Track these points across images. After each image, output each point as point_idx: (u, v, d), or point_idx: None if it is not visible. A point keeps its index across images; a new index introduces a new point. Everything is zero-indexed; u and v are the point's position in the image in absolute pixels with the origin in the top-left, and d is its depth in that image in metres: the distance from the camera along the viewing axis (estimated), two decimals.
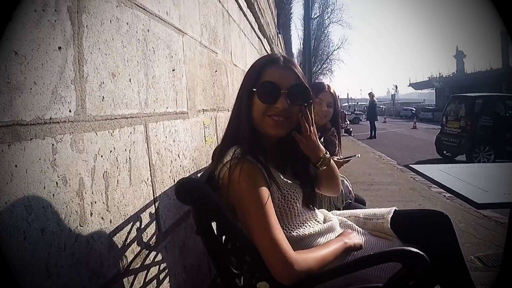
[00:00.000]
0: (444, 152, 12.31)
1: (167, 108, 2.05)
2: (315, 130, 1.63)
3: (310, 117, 1.59)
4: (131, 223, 1.59)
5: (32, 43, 1.06)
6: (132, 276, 1.57)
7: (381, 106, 52.47)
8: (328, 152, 1.72)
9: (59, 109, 1.16)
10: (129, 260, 1.55)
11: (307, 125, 1.58)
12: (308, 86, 1.59)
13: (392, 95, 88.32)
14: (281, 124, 1.53)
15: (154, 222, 1.82)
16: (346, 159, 2.94)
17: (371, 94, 21.87)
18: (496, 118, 11.05)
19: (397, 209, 1.87)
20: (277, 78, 1.52)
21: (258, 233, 1.35)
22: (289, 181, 1.58)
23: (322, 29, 51.97)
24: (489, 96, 12.61)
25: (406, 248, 1.31)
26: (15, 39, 0.99)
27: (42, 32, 1.10)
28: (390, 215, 1.80)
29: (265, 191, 1.40)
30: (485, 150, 10.87)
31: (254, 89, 1.52)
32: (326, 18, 51.68)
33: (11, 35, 0.98)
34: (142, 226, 1.69)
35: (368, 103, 23.26)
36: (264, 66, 1.57)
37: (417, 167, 2.57)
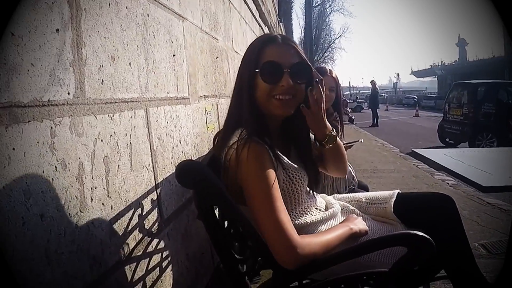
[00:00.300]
0: (447, 139, 12.28)
1: (168, 93, 2.03)
2: (324, 106, 1.60)
3: (321, 93, 1.55)
4: (133, 209, 1.57)
5: (29, 25, 1.03)
6: (134, 264, 1.56)
7: (383, 95, 52.31)
8: (334, 130, 1.68)
9: (58, 91, 1.14)
10: (131, 248, 1.53)
11: (316, 99, 1.54)
12: (310, 65, 1.56)
13: (394, 83, 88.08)
14: (287, 103, 1.50)
15: (156, 208, 1.80)
16: (349, 144, 2.92)
17: (373, 82, 21.82)
18: (498, 105, 11.00)
19: (400, 192, 1.83)
20: (278, 57, 1.49)
21: (263, 215, 1.32)
22: (294, 164, 1.55)
23: (324, 18, 51.64)
24: (492, 83, 12.54)
25: (412, 231, 1.29)
26: (11, 21, 0.96)
27: (39, 14, 1.07)
28: (393, 199, 1.77)
29: (272, 174, 1.37)
30: (487, 137, 10.84)
31: (257, 70, 1.48)
32: (327, 6, 51.33)
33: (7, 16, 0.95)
34: (144, 212, 1.67)
35: (370, 91, 23.14)
36: (263, 46, 1.53)
37: (421, 151, 2.54)
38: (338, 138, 1.70)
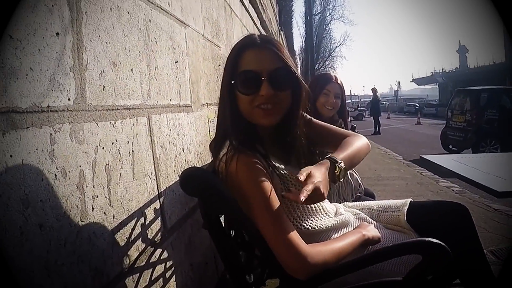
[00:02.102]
0: (450, 146, 12.22)
1: (170, 100, 1.99)
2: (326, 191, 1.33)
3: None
4: (135, 218, 1.53)
5: (28, 28, 1.00)
6: (137, 275, 1.51)
7: (384, 102, 52.31)
8: (338, 162, 1.43)
9: (58, 97, 1.10)
10: (133, 258, 1.49)
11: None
12: (293, 69, 1.44)
13: (395, 91, 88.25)
14: (271, 112, 1.40)
15: (159, 218, 1.76)
16: None
17: (374, 90, 21.75)
18: (501, 111, 10.96)
19: (412, 200, 1.79)
20: (254, 64, 1.39)
21: (264, 227, 1.26)
22: (293, 171, 1.45)
23: (324, 26, 51.91)
24: (494, 89, 12.52)
25: (427, 239, 1.24)
26: (10, 23, 0.93)
27: (38, 17, 1.05)
28: (406, 207, 1.72)
29: (266, 183, 1.29)
30: (491, 143, 10.78)
31: (233, 82, 1.40)
32: (327, 15, 51.57)
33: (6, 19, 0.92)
34: (147, 222, 1.63)
35: (371, 99, 23.06)
36: (239, 52, 1.43)
37: (430, 157, 2.50)
38: (346, 152, 1.53)
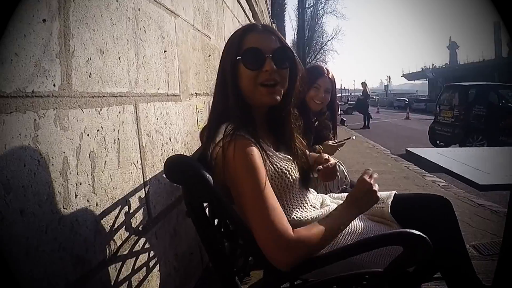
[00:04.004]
0: (438, 141, 12.30)
1: (158, 89, 1.98)
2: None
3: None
4: (119, 207, 1.52)
5: (14, 14, 0.99)
6: (120, 263, 1.52)
7: (374, 97, 52.42)
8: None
9: (43, 82, 1.10)
10: (116, 246, 1.50)
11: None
12: (292, 50, 1.54)
13: (385, 85, 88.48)
14: (274, 90, 1.47)
15: (144, 207, 1.76)
16: (341, 143, 2.90)
17: (364, 84, 21.50)
18: (489, 107, 11.02)
19: (396, 193, 1.81)
20: (259, 43, 1.46)
21: (253, 214, 1.27)
22: (284, 157, 1.52)
23: (316, 20, 51.65)
24: (483, 85, 12.58)
25: (408, 230, 1.25)
26: None
27: (25, 4, 1.03)
28: (390, 200, 1.75)
29: (262, 170, 1.32)
30: (478, 139, 10.86)
31: (238, 57, 1.45)
32: (320, 8, 51.32)
33: None
34: (131, 210, 1.63)
35: (362, 93, 22.53)
36: (243, 34, 1.51)
37: (416, 150, 2.51)
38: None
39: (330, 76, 2.92)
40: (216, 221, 1.40)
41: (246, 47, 1.46)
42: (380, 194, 1.79)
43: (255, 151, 1.34)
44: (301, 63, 1.59)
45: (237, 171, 1.30)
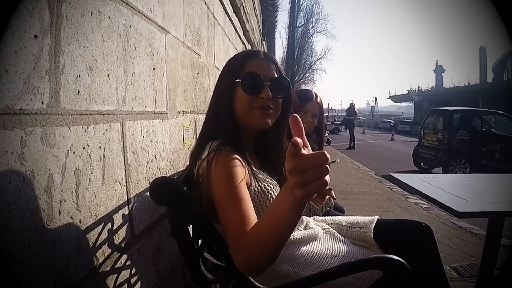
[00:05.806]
0: (421, 164, 12.46)
1: (145, 107, 2.00)
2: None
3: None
4: (102, 224, 1.52)
5: (6, 29, 1.00)
6: (101, 280, 1.51)
7: (360, 118, 52.88)
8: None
9: (31, 100, 1.10)
10: (99, 263, 1.49)
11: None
12: (289, 82, 1.58)
13: (371, 107, 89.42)
14: (267, 113, 1.50)
15: (127, 224, 1.75)
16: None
17: (352, 105, 21.71)
18: (472, 132, 11.25)
19: (379, 218, 1.85)
20: (259, 69, 1.51)
21: (223, 213, 1.24)
22: (267, 177, 1.53)
23: (306, 38, 52.10)
24: (467, 110, 12.82)
25: (388, 255, 1.28)
26: None
27: (18, 19, 1.04)
28: (373, 225, 1.78)
29: (239, 173, 1.30)
30: (461, 163, 11.05)
31: (237, 80, 1.49)
32: (310, 27, 51.79)
33: None
34: (114, 227, 1.62)
35: (349, 112, 22.46)
36: (245, 58, 1.55)
37: (397, 175, 2.56)
38: None
39: (318, 101, 2.96)
40: (199, 241, 1.41)
41: (246, 71, 1.50)
42: (364, 218, 1.83)
43: (237, 162, 1.35)
44: (295, 97, 1.64)
45: (215, 180, 1.31)
